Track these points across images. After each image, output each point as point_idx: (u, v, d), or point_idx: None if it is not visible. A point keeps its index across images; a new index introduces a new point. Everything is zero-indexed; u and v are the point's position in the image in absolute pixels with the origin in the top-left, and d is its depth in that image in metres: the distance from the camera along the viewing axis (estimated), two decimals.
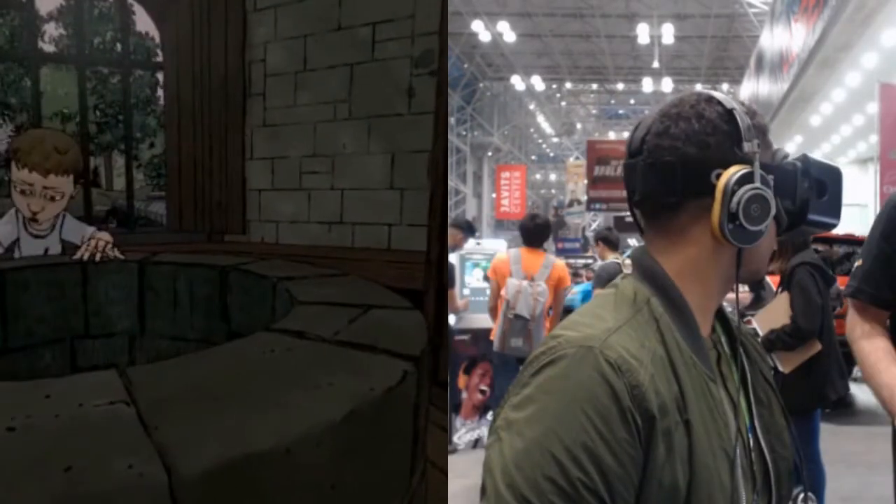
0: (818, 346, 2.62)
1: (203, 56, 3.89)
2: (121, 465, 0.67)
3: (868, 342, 1.37)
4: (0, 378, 1.83)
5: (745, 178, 0.67)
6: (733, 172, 0.67)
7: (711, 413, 0.66)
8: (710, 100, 0.70)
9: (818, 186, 0.71)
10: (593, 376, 0.61)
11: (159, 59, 4.33)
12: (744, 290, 3.42)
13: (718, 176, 0.67)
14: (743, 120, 0.69)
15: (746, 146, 0.68)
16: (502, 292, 3.54)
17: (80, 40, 5.75)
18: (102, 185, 20.38)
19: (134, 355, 2.07)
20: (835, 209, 0.71)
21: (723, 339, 0.76)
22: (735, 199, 0.66)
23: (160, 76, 5.40)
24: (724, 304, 0.77)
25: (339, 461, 0.82)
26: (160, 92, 16.27)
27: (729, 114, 0.69)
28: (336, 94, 3.54)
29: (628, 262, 4.01)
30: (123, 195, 7.92)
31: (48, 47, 18.69)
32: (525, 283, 3.51)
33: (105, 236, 2.09)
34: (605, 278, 3.87)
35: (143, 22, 17.03)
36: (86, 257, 2.00)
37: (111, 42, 17.82)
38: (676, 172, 0.68)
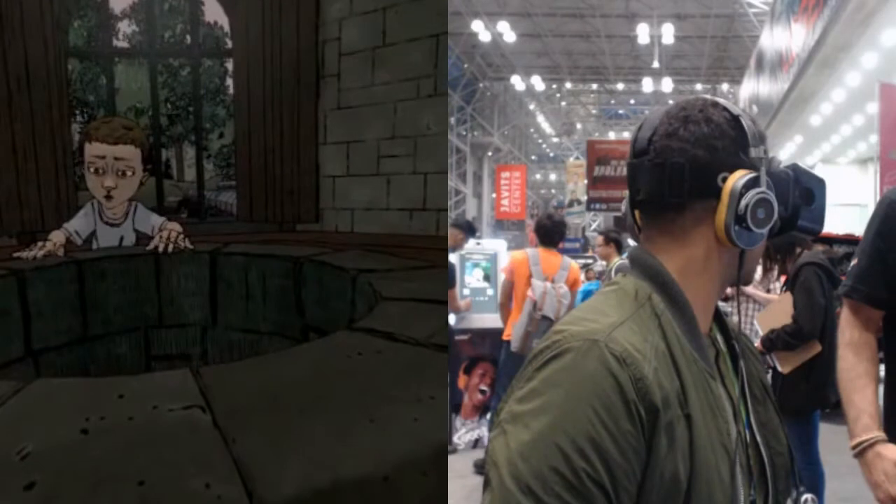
0: (818, 348, 2.63)
1: (273, 39, 3.70)
2: (198, 483, 0.63)
3: (854, 355, 1.36)
4: (80, 366, 1.87)
5: (752, 183, 0.69)
6: (740, 176, 0.69)
7: (711, 409, 0.67)
8: (716, 105, 0.73)
9: (807, 194, 0.74)
10: (598, 369, 0.62)
11: (229, 46, 4.20)
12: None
13: (724, 179, 0.70)
14: (749, 126, 0.71)
15: (753, 152, 0.71)
16: (529, 292, 3.52)
17: (152, 35, 5.79)
18: (174, 176, 20.26)
19: (206, 346, 2.06)
20: (820, 217, 0.75)
21: (719, 337, 0.77)
22: (743, 203, 0.69)
23: (229, 65, 5.35)
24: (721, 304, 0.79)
25: (447, 491, 0.72)
26: (229, 81, 16.21)
27: (735, 120, 0.72)
28: (419, 69, 3.27)
29: None
30: (194, 186, 7.78)
31: (122, 44, 18.90)
32: (548, 284, 3.52)
33: (175, 226, 2.17)
34: None
35: (213, 11, 17.12)
36: (161, 248, 2.06)
37: (181, 34, 17.90)
38: (684, 173, 0.70)
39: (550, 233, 3.74)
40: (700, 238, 0.71)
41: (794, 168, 0.74)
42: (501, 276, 4.07)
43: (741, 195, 0.69)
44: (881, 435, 1.27)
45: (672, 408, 0.63)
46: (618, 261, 4.15)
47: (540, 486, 0.58)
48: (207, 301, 2.06)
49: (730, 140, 0.71)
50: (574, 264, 3.85)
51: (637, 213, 0.76)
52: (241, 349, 2.00)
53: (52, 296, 1.82)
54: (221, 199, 12.54)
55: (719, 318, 0.78)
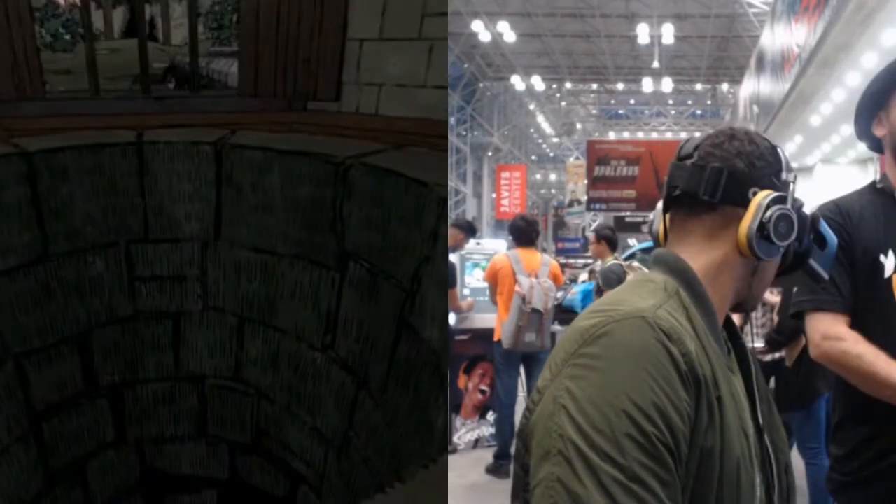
0: (802, 342, 2.66)
1: None
2: None
3: (854, 346, 1.29)
4: (42, 292, 1.33)
5: (778, 200, 0.77)
6: (768, 193, 0.77)
7: (733, 397, 0.73)
8: (758, 133, 0.82)
9: (821, 239, 0.82)
10: (651, 342, 0.66)
11: None
12: None
13: (754, 193, 0.77)
14: (784, 155, 0.81)
15: (784, 175, 0.79)
16: (517, 288, 3.62)
17: None
18: (159, 38, 17.69)
19: (206, 267, 1.57)
20: (828, 265, 0.83)
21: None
22: (768, 214, 0.75)
23: None
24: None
25: None
26: None
27: (773, 148, 0.81)
28: None
29: (636, 265, 3.94)
30: (183, 50, 6.30)
31: None
32: (533, 279, 3.65)
33: None
34: (613, 280, 3.79)
35: None
36: None
37: None
38: (722, 178, 0.77)
39: (526, 233, 3.85)
40: (722, 243, 0.77)
41: (818, 215, 0.82)
42: None
43: (767, 208, 0.76)
44: None
45: (709, 387, 0.68)
46: (613, 261, 4.06)
47: (618, 452, 0.61)
48: (210, 209, 1.57)
49: (766, 162, 0.79)
50: (554, 262, 3.99)
51: (668, 216, 0.82)
52: (250, 273, 1.52)
53: None
54: (214, 67, 9.87)
55: (728, 321, 0.83)
